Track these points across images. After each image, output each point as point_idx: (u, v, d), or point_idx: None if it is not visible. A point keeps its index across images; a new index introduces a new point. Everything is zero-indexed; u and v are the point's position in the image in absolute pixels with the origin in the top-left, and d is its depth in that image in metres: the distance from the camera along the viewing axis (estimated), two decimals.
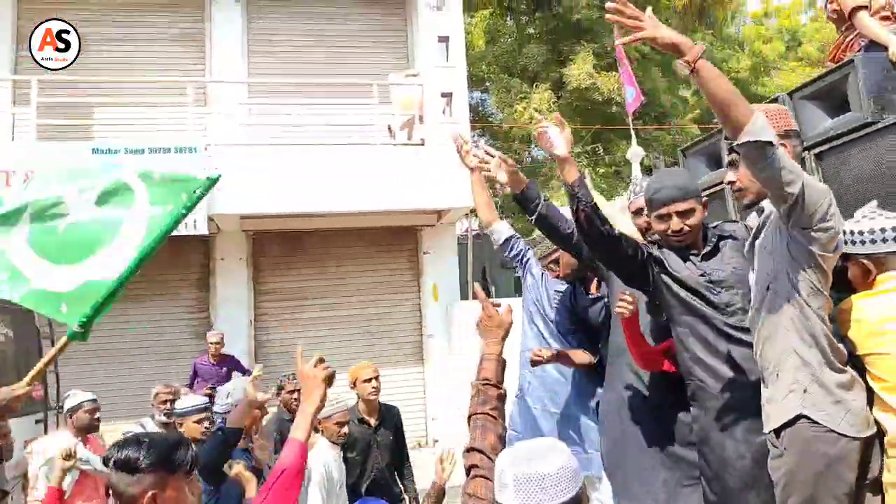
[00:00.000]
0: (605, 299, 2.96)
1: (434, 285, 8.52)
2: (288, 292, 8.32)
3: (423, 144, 7.85)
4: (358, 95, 8.41)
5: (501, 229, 3.36)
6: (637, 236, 2.77)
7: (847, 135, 2.58)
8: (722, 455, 2.24)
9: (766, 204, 2.15)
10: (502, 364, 1.97)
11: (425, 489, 3.60)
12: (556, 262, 3.17)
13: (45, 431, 5.65)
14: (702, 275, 2.33)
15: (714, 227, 2.48)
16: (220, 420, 3.98)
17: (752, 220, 2.29)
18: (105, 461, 1.67)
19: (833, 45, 3.44)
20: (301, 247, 8.37)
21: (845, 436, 1.93)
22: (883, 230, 2.07)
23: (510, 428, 2.98)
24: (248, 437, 3.85)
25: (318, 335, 7.86)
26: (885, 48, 2.73)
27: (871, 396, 2.01)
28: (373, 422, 3.93)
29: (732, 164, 2.35)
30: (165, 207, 2.26)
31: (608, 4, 1.91)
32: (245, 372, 7.34)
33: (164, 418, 4.59)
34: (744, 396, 2.21)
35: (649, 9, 1.96)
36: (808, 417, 1.96)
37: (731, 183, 2.38)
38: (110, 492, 1.70)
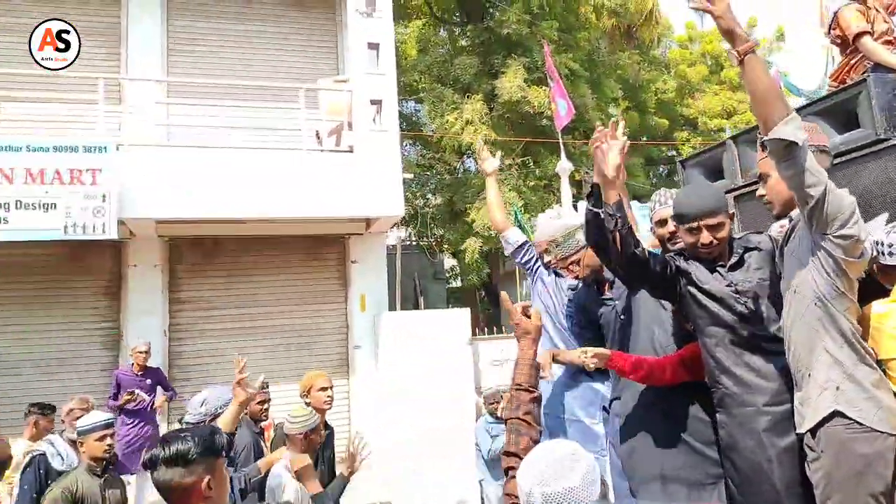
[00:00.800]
0: (616, 301, 2.98)
1: (362, 295, 8.33)
2: (206, 301, 7.94)
3: (351, 151, 7.70)
4: (285, 100, 8.20)
5: (515, 235, 3.47)
6: (653, 242, 2.90)
7: (858, 150, 2.70)
8: (752, 460, 2.28)
9: (795, 213, 2.24)
10: (536, 368, 2.11)
11: None
12: (577, 262, 3.17)
13: None
14: (728, 285, 2.39)
15: (739, 239, 2.54)
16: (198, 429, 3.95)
17: (775, 229, 2.44)
18: (148, 464, 1.81)
19: (837, 68, 3.68)
20: (221, 254, 8.03)
21: (880, 432, 1.97)
22: None
23: None
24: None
25: (238, 346, 7.51)
26: (892, 70, 2.92)
27: None
28: (324, 433, 3.79)
29: (762, 178, 2.46)
30: None
31: None
32: (168, 388, 6.95)
33: (74, 436, 4.31)
34: (771, 403, 2.27)
35: None
36: (842, 414, 2.00)
37: (761, 196, 2.50)
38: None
